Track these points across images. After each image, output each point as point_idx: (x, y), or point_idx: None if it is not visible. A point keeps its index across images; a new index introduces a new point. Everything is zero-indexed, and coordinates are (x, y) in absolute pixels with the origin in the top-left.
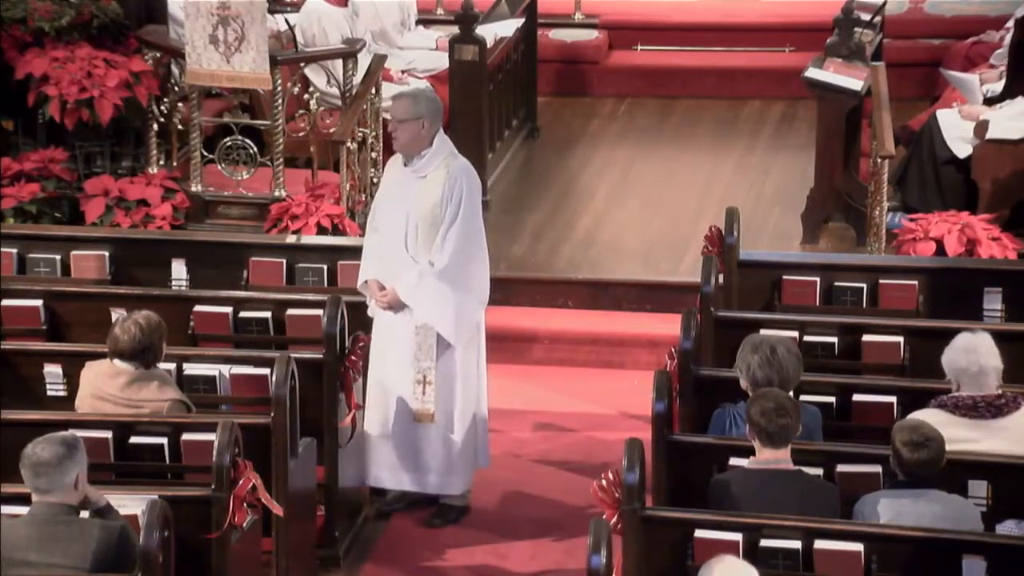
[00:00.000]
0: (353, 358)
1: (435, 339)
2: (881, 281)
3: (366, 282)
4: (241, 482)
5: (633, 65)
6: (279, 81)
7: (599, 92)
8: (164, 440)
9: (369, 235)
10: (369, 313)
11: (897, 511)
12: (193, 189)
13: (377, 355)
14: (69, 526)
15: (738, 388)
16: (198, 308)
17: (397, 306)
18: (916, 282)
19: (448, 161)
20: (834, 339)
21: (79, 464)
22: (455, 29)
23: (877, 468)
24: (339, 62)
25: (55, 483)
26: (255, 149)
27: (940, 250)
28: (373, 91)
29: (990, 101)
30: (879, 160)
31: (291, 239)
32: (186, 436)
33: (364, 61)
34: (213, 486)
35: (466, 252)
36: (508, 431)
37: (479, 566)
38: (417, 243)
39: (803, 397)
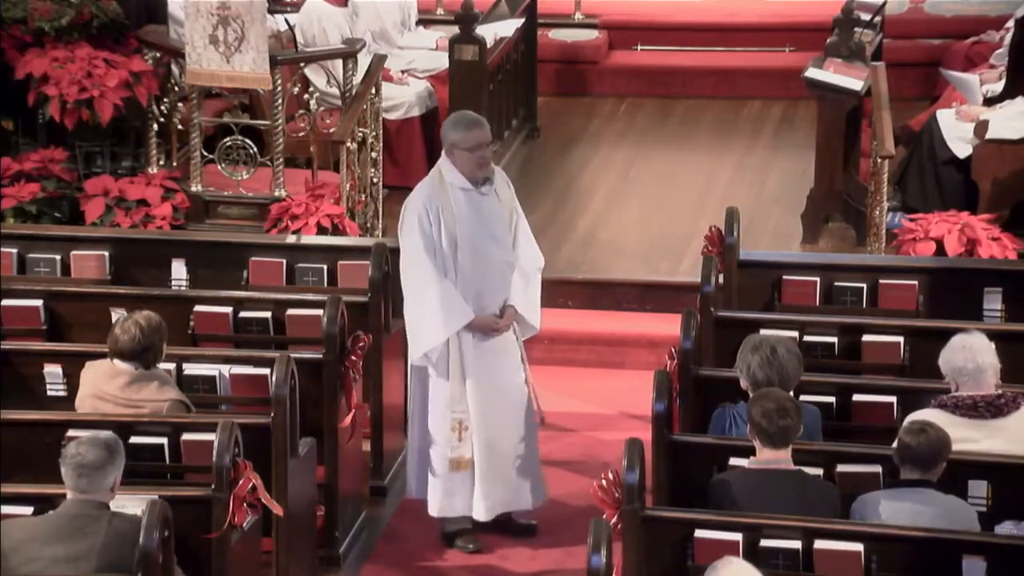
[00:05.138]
0: (353, 358)
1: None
2: (881, 281)
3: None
4: (241, 482)
5: (633, 65)
6: (279, 81)
7: (599, 92)
8: (164, 440)
9: (439, 282)
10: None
11: (893, 511)
12: (193, 189)
13: (476, 386)
14: (99, 520)
15: (738, 388)
16: (198, 308)
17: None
18: (916, 282)
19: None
20: (834, 339)
21: (119, 468)
22: (455, 29)
23: (877, 468)
24: (339, 62)
25: (95, 485)
26: (255, 149)
27: (940, 250)
28: (373, 91)
29: (990, 101)
30: (879, 160)
31: (291, 239)
32: (186, 436)
33: (364, 61)
34: (213, 486)
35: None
36: None
37: (479, 566)
38: (515, 249)
39: (803, 397)
